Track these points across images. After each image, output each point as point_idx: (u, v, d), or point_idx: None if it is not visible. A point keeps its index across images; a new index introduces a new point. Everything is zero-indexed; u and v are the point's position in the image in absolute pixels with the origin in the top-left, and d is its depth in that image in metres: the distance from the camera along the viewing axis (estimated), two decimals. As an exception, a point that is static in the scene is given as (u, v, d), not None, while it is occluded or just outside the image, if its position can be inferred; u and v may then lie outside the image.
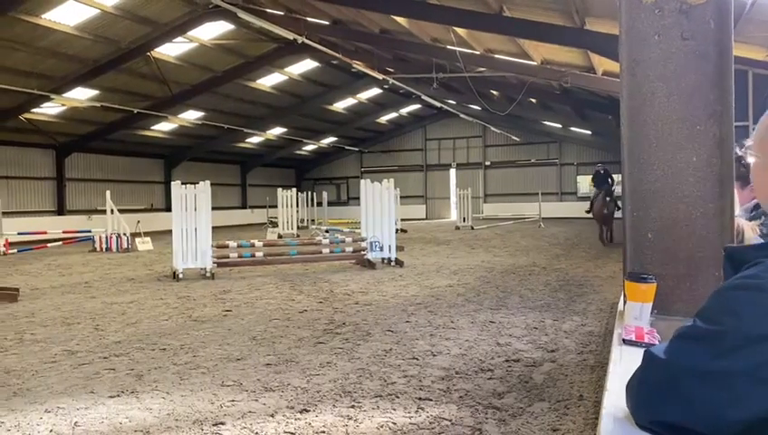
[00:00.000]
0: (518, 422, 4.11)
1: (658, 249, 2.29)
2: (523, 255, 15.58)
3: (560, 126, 32.50)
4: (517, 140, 37.43)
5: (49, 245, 19.20)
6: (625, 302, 2.13)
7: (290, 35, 16.80)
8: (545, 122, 32.63)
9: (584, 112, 26.39)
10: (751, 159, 1.28)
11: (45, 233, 20.31)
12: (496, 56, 16.99)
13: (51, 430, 4.16)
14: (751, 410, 0.95)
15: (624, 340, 1.90)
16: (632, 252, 2.39)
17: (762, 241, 2.36)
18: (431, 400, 4.61)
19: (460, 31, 15.02)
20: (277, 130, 33.70)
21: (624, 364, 1.60)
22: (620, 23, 2.45)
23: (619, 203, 15.18)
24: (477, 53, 16.82)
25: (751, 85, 11.10)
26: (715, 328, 1.01)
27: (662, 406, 1.06)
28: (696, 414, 1.00)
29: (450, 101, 29.71)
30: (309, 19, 17.79)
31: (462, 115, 33.20)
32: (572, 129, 32.21)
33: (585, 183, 34.98)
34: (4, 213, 18.61)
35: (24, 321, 8.13)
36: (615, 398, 1.35)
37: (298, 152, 40.82)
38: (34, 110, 22.54)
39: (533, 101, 25.64)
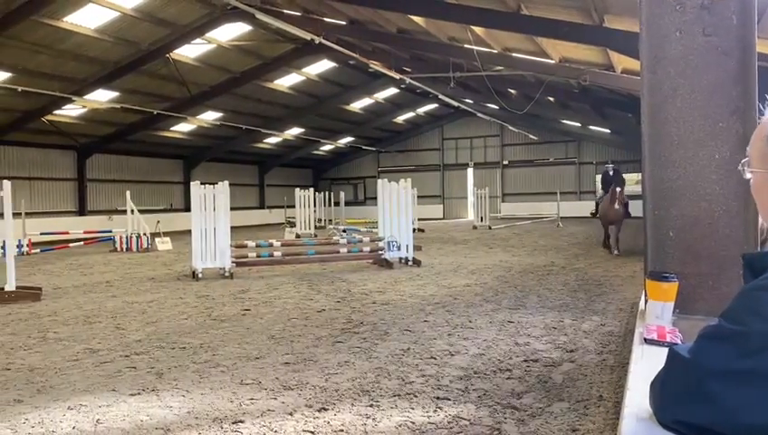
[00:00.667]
0: (537, 422, 4.09)
1: (680, 248, 2.26)
2: (541, 254, 15.49)
3: (578, 125, 32.25)
4: (535, 139, 37.23)
5: (70, 245, 19.43)
6: (646, 301, 2.11)
7: (307, 36, 16.86)
8: (564, 121, 32.39)
9: (603, 111, 26.15)
10: (749, 176, 1.23)
11: (67, 233, 20.53)
12: (514, 55, 16.90)
13: (73, 427, 4.21)
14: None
15: (645, 339, 1.88)
16: (653, 250, 2.37)
17: None
18: (449, 399, 4.60)
19: (478, 30, 14.96)
20: (295, 131, 33.82)
21: (645, 363, 1.58)
22: (641, 19, 2.43)
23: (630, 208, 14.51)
24: (495, 51, 16.75)
25: (774, 82, 10.94)
26: (740, 329, 1.00)
27: (686, 406, 1.05)
28: (720, 415, 0.99)
29: (467, 101, 29.61)
30: (326, 19, 17.84)
31: (479, 114, 33.08)
32: (591, 127, 31.93)
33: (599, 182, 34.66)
34: (26, 213, 18.84)
35: (46, 320, 8.24)
36: (637, 397, 1.34)
37: (315, 152, 40.93)
38: (56, 111, 22.81)
39: (551, 99, 25.47)
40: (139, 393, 4.93)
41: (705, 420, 1.02)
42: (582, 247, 17.18)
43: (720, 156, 2.22)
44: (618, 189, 14.27)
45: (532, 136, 36.78)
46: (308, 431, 4.03)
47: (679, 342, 1.81)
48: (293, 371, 5.47)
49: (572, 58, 15.87)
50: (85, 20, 17.23)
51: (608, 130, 31.47)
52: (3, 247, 10.84)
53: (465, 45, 16.45)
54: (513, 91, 24.77)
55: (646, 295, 2.10)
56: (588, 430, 3.93)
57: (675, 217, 2.31)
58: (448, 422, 4.12)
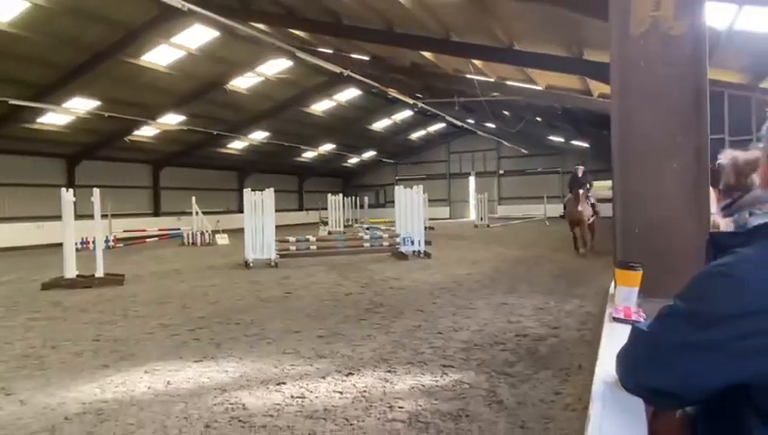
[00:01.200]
0: (526, 387, 4.06)
1: (644, 242, 2.23)
2: (531, 248, 15.34)
3: (562, 140, 31.89)
4: (526, 152, 36.89)
5: (147, 240, 19.69)
6: (615, 286, 2.08)
7: (337, 69, 16.89)
8: (550, 137, 32.05)
9: (582, 128, 25.81)
10: (758, 153, 1.23)
11: (144, 231, 20.77)
12: (508, 82, 16.76)
13: (148, 387, 4.26)
14: (720, 377, 0.93)
15: (614, 318, 1.86)
16: (621, 244, 2.34)
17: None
18: (453, 367, 4.58)
19: (477, 62, 14.88)
20: (327, 147, 33.89)
21: (614, 339, 1.57)
22: (611, 51, 2.40)
23: (598, 209, 12.79)
24: (492, 80, 16.63)
25: (726, 104, 10.78)
26: (691, 307, 0.99)
27: (645, 373, 1.05)
28: (672, 380, 0.98)
29: (469, 121, 29.44)
30: (353, 56, 17.87)
31: (479, 132, 32.87)
32: (573, 142, 31.57)
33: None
34: (112, 215, 19.11)
35: (128, 300, 8.35)
36: (606, 366, 1.33)
37: (344, 164, 40.96)
38: (136, 133, 23.03)
39: (539, 119, 25.20)
40: (201, 360, 4.98)
41: (659, 384, 1.01)
42: (565, 242, 16.94)
43: (678, 165, 2.19)
44: (580, 191, 12.38)
45: (523, 150, 36.44)
46: (337, 392, 4.04)
47: (642, 320, 1.78)
48: (326, 342, 5.49)
49: (556, 85, 15.69)
50: (159, 58, 17.45)
51: (587, 145, 31.08)
52: (94, 242, 11.00)
53: (467, 75, 16.35)
54: (507, 112, 24.57)
55: (615, 282, 2.07)
56: (569, 394, 3.89)
57: (639, 217, 2.28)
58: (452, 386, 4.11)
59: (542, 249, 14.73)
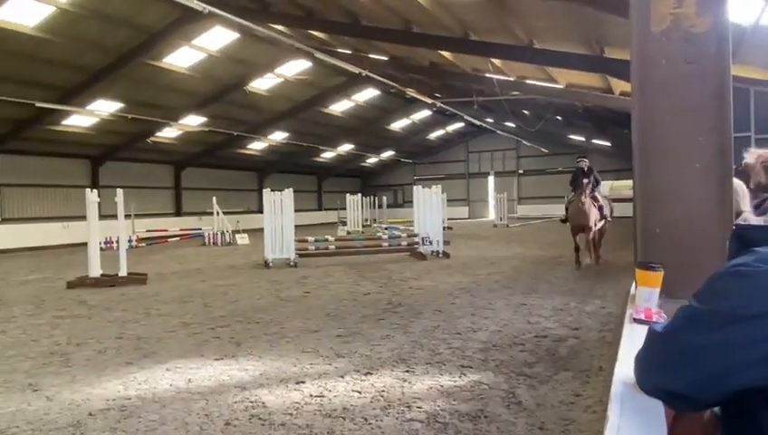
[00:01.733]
0: (546, 388, 4.02)
1: (665, 242, 2.20)
2: (551, 248, 15.20)
3: (583, 139, 31.52)
4: (546, 151, 36.56)
5: (169, 240, 19.94)
6: (636, 287, 2.05)
7: (356, 70, 16.94)
8: (570, 136, 31.72)
9: (604, 127, 25.50)
10: None
11: (166, 230, 20.98)
12: (527, 81, 16.64)
13: (170, 385, 4.33)
14: (737, 380, 0.91)
15: (634, 319, 1.84)
16: (642, 244, 2.31)
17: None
18: (472, 367, 4.56)
19: (496, 61, 14.80)
20: (346, 147, 34.01)
21: (634, 340, 1.55)
22: (632, 50, 2.37)
23: (606, 211, 10.56)
24: (511, 79, 16.53)
25: (752, 101, 10.54)
26: (708, 308, 0.98)
27: (660, 375, 1.03)
28: (688, 383, 0.97)
29: (488, 120, 29.30)
30: (371, 56, 17.91)
31: (498, 131, 32.68)
32: (594, 141, 31.17)
33: (605, 187, 33.77)
34: (135, 215, 19.41)
35: (150, 299, 8.47)
36: (625, 368, 1.31)
37: (362, 164, 41.06)
38: (158, 134, 23.37)
39: (559, 118, 24.97)
40: (221, 358, 5.03)
41: (675, 387, 0.99)
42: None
43: (700, 165, 2.15)
44: (584, 181, 9.93)
45: (543, 149, 36.12)
46: (356, 391, 4.05)
47: (663, 321, 1.76)
48: (344, 342, 5.51)
49: (577, 83, 15.54)
50: (180, 60, 17.70)
51: (609, 144, 30.67)
52: (117, 242, 11.19)
53: (486, 74, 16.28)
54: (526, 111, 24.41)
55: (636, 283, 2.05)
56: (589, 396, 3.85)
57: (660, 217, 2.24)
58: (471, 386, 4.09)
59: (563, 249, 14.56)
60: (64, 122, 20.05)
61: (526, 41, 12.01)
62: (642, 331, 1.64)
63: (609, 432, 1.05)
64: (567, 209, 10.82)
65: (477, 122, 29.34)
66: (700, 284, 1.08)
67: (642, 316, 1.82)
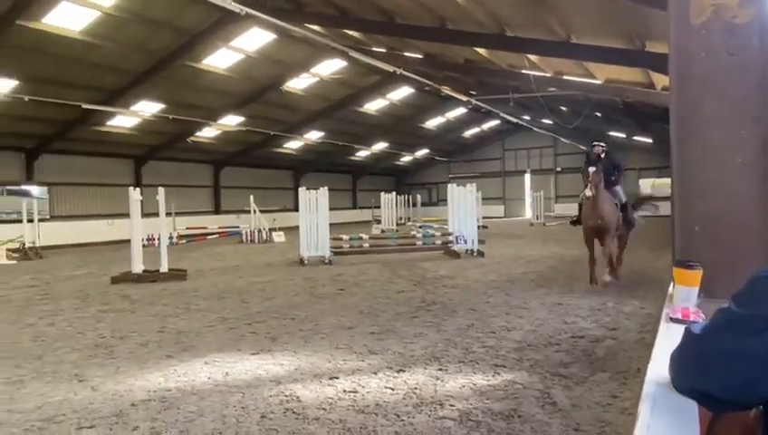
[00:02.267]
0: (581, 389, 3.95)
1: (705, 240, 2.13)
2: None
3: (624, 136, 30.67)
4: (584, 148, 35.73)
5: (208, 237, 20.37)
6: (674, 286, 2.00)
7: (390, 68, 16.95)
8: (610, 133, 30.92)
9: (645, 123, 24.73)
10: None
11: (206, 228, 21.39)
12: (565, 77, 16.31)
13: (209, 378, 4.44)
14: None
15: (671, 318, 1.79)
16: (681, 242, 2.24)
17: None
18: (506, 367, 4.52)
19: (532, 57, 14.55)
20: (380, 146, 34.07)
21: (669, 339, 1.51)
22: (670, 43, 2.30)
23: (632, 212, 8.68)
24: (548, 75, 16.22)
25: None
26: (747, 311, 0.95)
27: (696, 377, 1.02)
28: (722, 386, 0.95)
29: (525, 117, 28.84)
30: (406, 54, 17.88)
31: (535, 129, 32.14)
32: (635, 138, 30.29)
33: (647, 185, 32.84)
34: (176, 213, 19.88)
35: (190, 294, 8.70)
36: (659, 367, 1.29)
37: (397, 163, 41.05)
38: (198, 134, 23.94)
39: (598, 114, 24.37)
40: (258, 353, 5.13)
41: (709, 389, 0.98)
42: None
43: (742, 159, 2.07)
44: (590, 169, 7.64)
45: (581, 146, 35.33)
46: (389, 388, 4.08)
47: (701, 321, 1.72)
48: (378, 339, 5.54)
49: (616, 78, 15.12)
50: (219, 62, 18.09)
51: (650, 140, 29.76)
52: (159, 239, 11.51)
53: (522, 71, 16.03)
54: (564, 108, 23.92)
55: (673, 281, 2.00)
56: (626, 398, 3.76)
57: (699, 213, 2.17)
58: (505, 386, 4.05)
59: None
60: (109, 123, 20.78)
61: (563, 36, 11.76)
62: (678, 330, 1.60)
63: (640, 430, 1.04)
64: (580, 208, 8.48)
65: (513, 120, 28.90)
66: (740, 283, 1.05)
67: (679, 316, 1.77)
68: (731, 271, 1.94)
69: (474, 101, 22.50)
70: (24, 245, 16.40)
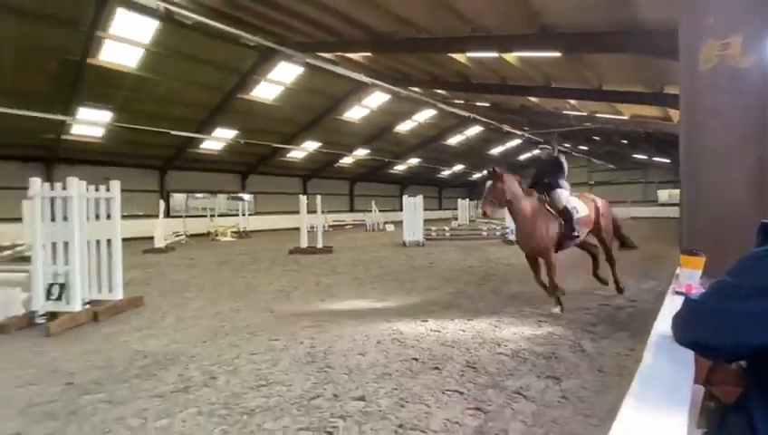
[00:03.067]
0: (606, 342, 3.63)
1: (708, 234, 1.87)
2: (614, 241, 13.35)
3: (645, 157, 27.16)
4: (613, 167, 32.23)
5: (345, 227, 21.31)
6: (680, 269, 1.79)
7: (466, 114, 16.52)
8: (634, 155, 27.54)
9: (663, 148, 21.68)
10: None
11: (344, 221, 22.43)
12: (597, 115, 14.83)
13: (346, 315, 4.65)
14: (756, 338, 0.80)
15: (676, 291, 1.62)
16: (687, 235, 1.99)
17: None
18: (547, 323, 4.27)
19: (572, 101, 13.41)
20: (458, 167, 33.14)
21: (673, 307, 1.38)
22: (681, 85, 2.03)
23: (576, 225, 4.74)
24: (584, 114, 14.86)
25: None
26: (734, 281, 0.86)
27: (689, 328, 0.94)
28: (708, 336, 0.86)
29: (566, 145, 26.62)
30: (477, 103, 17.33)
31: (573, 153, 29.52)
32: (655, 159, 26.70)
33: (664, 195, 28.97)
34: (327, 211, 20.20)
35: (334, 262, 9.12)
36: (662, 325, 1.19)
37: (469, 178, 39.36)
38: (340, 161, 24.39)
39: (625, 141, 21.82)
40: (377, 301, 5.27)
41: (700, 338, 0.89)
42: (645, 236, 14.49)
43: (741, 172, 1.78)
44: (487, 185, 4.91)
45: (611, 165, 31.91)
46: (461, 330, 4.03)
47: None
48: (454, 297, 5.47)
49: (639, 114, 13.46)
50: (354, 115, 18.21)
51: (668, 160, 26.06)
52: (316, 227, 12.23)
53: (564, 111, 14.83)
54: (596, 137, 21.71)
55: (680, 266, 1.79)
56: (641, 350, 3.38)
57: (704, 214, 1.90)
58: (545, 335, 3.84)
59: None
60: (288, 155, 22.31)
61: (596, 84, 10.73)
62: (681, 301, 1.44)
63: (644, 368, 0.97)
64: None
65: (557, 147, 26.77)
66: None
67: (683, 290, 1.59)
68: (730, 260, 1.69)
69: (527, 135, 21.21)
70: (239, 229, 18.32)
